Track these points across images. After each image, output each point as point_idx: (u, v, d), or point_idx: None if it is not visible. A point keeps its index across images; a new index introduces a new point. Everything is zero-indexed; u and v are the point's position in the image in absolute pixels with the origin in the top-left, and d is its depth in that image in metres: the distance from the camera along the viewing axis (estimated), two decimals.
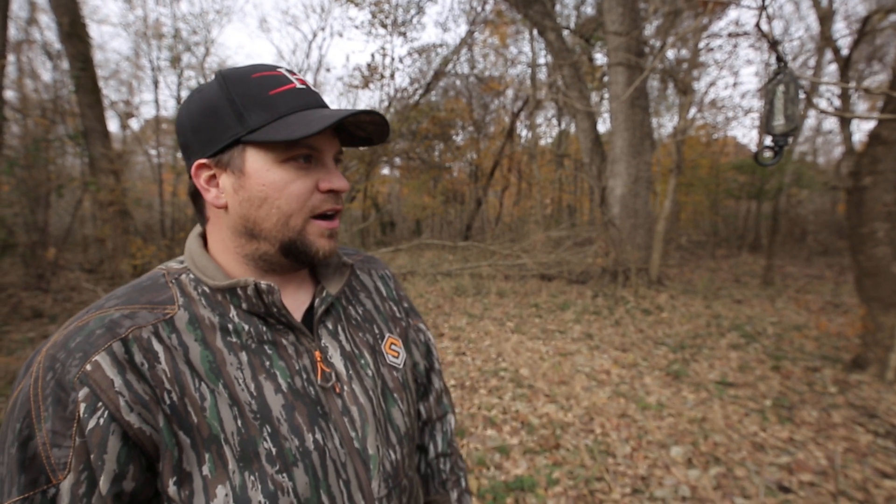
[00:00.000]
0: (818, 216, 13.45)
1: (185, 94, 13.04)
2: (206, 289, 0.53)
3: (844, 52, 3.96)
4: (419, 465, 0.75)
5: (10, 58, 6.79)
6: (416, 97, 12.52)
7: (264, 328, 0.53)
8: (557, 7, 9.95)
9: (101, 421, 0.43)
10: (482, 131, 15.07)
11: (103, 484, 0.43)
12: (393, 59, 12.81)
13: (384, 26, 11.71)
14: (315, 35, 17.89)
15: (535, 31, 10.61)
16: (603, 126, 13.04)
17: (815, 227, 12.76)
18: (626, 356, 3.81)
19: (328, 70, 18.74)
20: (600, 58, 11.06)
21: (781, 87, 1.40)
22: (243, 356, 0.50)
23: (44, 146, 6.04)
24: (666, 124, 13.54)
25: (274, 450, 0.48)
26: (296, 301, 0.59)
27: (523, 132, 15.97)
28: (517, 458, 2.31)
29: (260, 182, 0.50)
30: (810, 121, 13.05)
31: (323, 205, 0.54)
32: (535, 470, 2.20)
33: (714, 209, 13.43)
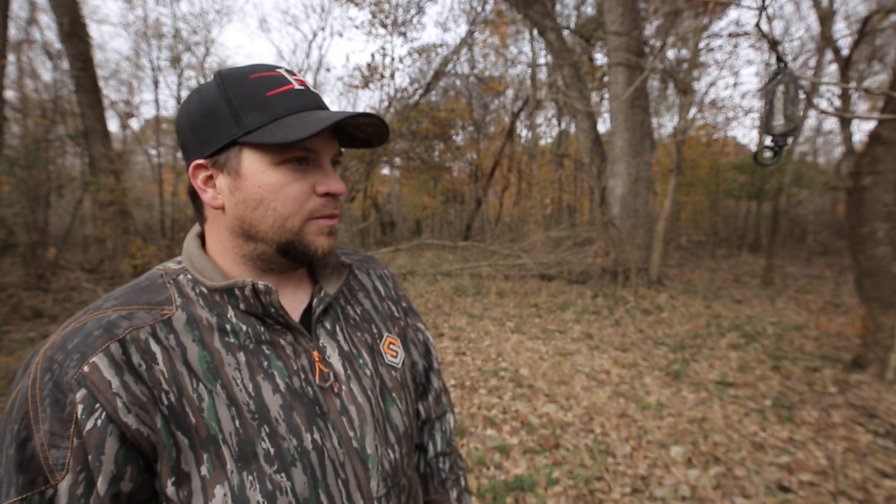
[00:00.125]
0: (818, 216, 13.46)
1: (185, 94, 13.04)
2: (204, 289, 0.53)
3: (845, 52, 3.96)
4: (418, 465, 0.75)
5: (11, 58, 6.79)
6: (416, 97, 12.52)
7: (262, 328, 0.53)
8: (557, 7, 9.95)
9: (99, 422, 0.43)
10: (482, 131, 15.07)
11: (101, 485, 0.43)
12: (393, 59, 12.82)
13: (384, 26, 11.71)
14: (315, 35, 17.90)
15: (535, 31, 10.61)
16: (603, 126, 13.05)
17: (816, 227, 12.76)
18: (626, 356, 3.81)
19: (328, 70, 18.77)
20: (600, 58, 11.07)
21: (781, 88, 1.40)
22: (241, 356, 0.51)
23: (44, 146, 6.04)
24: (666, 124, 13.55)
25: (272, 450, 0.48)
26: (294, 301, 0.59)
27: (523, 132, 15.99)
28: (517, 458, 2.31)
29: (256, 184, 0.50)
30: (811, 121, 13.07)
31: (321, 209, 0.53)
32: (534, 469, 2.20)
33: (714, 209, 13.43)
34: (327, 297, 0.59)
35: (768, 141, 1.45)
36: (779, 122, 1.40)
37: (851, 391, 3.01)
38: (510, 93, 13.96)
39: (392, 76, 12.55)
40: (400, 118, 11.41)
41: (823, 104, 7.97)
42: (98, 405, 0.43)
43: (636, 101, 6.50)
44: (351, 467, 0.53)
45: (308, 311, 0.59)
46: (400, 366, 0.65)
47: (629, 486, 2.08)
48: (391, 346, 0.65)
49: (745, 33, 8.33)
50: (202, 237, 0.59)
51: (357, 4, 11.07)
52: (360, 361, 0.59)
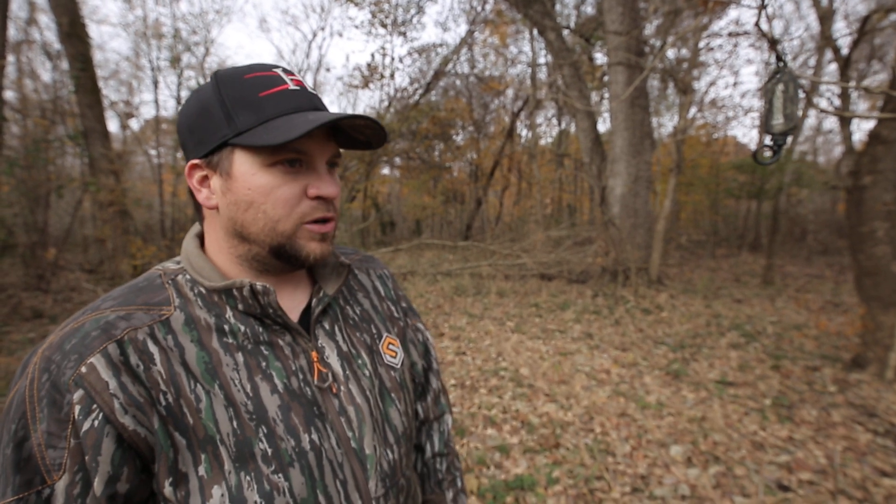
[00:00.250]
0: (818, 215, 13.46)
1: (185, 94, 13.04)
2: (203, 290, 0.53)
3: (844, 51, 3.96)
4: (415, 465, 0.75)
5: (10, 58, 6.79)
6: (416, 97, 12.52)
7: (260, 329, 0.53)
8: (557, 6, 9.95)
9: (96, 423, 0.43)
10: (482, 131, 15.07)
11: (97, 485, 0.43)
12: (393, 58, 12.82)
13: (384, 26, 11.71)
14: (315, 35, 17.91)
15: (535, 31, 10.61)
16: (603, 126, 13.05)
17: (815, 226, 12.77)
18: (626, 355, 3.82)
19: (328, 70, 18.78)
20: (600, 57, 11.06)
21: (781, 87, 1.40)
22: (239, 357, 0.50)
23: (44, 146, 6.04)
24: (666, 124, 13.55)
25: (270, 450, 0.48)
26: (293, 301, 0.58)
27: (523, 132, 15.98)
28: (517, 458, 2.31)
29: (246, 186, 0.50)
30: (810, 120, 13.07)
31: (313, 212, 0.52)
32: (535, 469, 2.20)
33: (714, 209, 13.43)
34: (326, 297, 0.59)
35: (768, 140, 1.45)
36: (778, 121, 1.40)
37: (851, 390, 3.01)
38: (510, 92, 13.96)
39: (392, 76, 12.55)
40: (400, 118, 11.41)
41: (823, 103, 7.97)
42: (95, 406, 0.43)
43: (636, 100, 6.50)
44: (349, 468, 0.53)
45: (307, 311, 0.59)
46: (399, 366, 0.65)
47: (629, 485, 2.08)
48: (390, 347, 0.65)
49: (745, 32, 8.33)
50: (201, 237, 0.59)
51: (357, 4, 11.07)
52: (359, 362, 0.59)
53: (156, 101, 12.82)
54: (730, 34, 8.76)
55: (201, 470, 0.46)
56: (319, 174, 0.53)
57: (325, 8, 18.31)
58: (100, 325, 0.47)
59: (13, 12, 5.95)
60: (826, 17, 4.21)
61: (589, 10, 10.99)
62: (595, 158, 7.30)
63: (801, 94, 1.46)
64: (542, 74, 12.35)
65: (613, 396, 3.01)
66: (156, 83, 12.59)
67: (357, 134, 0.56)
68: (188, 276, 0.54)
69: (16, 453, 0.42)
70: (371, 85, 12.38)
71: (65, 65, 6.72)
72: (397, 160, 14.52)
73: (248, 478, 0.47)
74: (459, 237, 13.70)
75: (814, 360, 3.60)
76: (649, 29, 7.43)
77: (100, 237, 7.06)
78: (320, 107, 0.53)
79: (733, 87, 17.90)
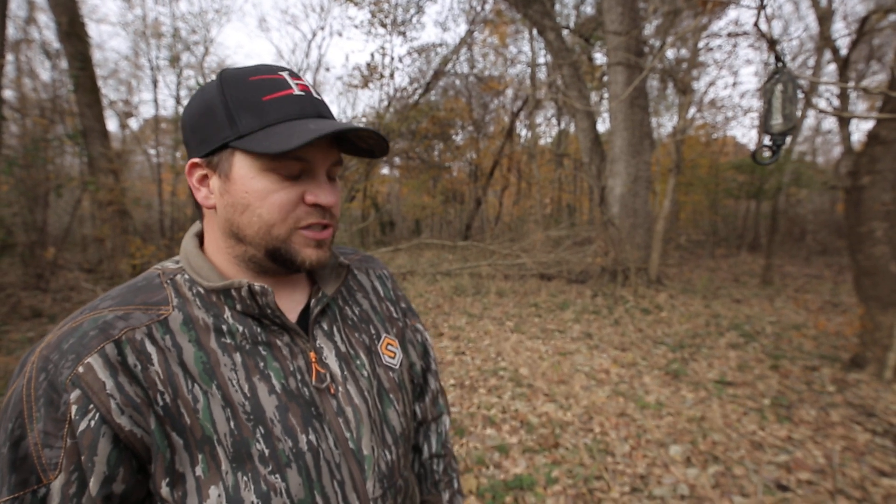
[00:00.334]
0: (817, 215, 13.47)
1: (184, 93, 13.03)
2: (201, 289, 0.53)
3: (843, 51, 3.97)
4: (412, 465, 0.75)
5: (9, 57, 6.78)
6: (416, 97, 12.52)
7: (259, 329, 0.52)
8: (557, 6, 9.95)
9: (93, 423, 0.43)
10: (482, 131, 15.07)
11: (93, 486, 0.43)
12: (392, 58, 12.80)
13: (384, 26, 11.71)
14: (314, 34, 17.89)
15: (534, 31, 10.61)
16: (602, 126, 13.05)
17: (814, 226, 12.78)
18: (626, 355, 3.82)
19: (327, 70, 18.74)
20: (600, 57, 11.07)
21: (779, 87, 1.40)
22: (237, 357, 0.50)
23: (42, 146, 6.04)
24: (665, 124, 13.56)
25: (267, 451, 0.48)
26: (291, 301, 0.58)
27: (523, 132, 15.99)
28: (516, 457, 2.31)
29: (243, 189, 0.50)
30: (809, 120, 13.09)
31: (307, 217, 0.52)
32: (534, 469, 2.21)
33: (713, 209, 13.45)
34: (325, 297, 0.59)
35: (767, 140, 1.46)
36: (777, 121, 1.40)
37: (850, 390, 3.01)
38: (510, 92, 13.96)
39: (391, 76, 12.55)
40: (399, 118, 11.40)
41: (822, 104, 7.97)
42: (92, 406, 0.43)
43: (635, 100, 6.51)
44: (347, 468, 0.53)
45: (305, 311, 0.59)
46: (397, 367, 0.65)
47: (628, 485, 2.08)
48: (389, 347, 0.65)
49: (744, 33, 8.34)
50: (200, 237, 0.59)
51: (356, 4, 11.07)
52: (358, 362, 0.59)
53: (155, 101, 12.82)
54: (729, 34, 8.77)
55: (198, 470, 0.46)
56: (318, 182, 0.52)
57: (325, 7, 18.32)
58: (97, 324, 0.47)
59: (12, 11, 5.95)
60: (825, 18, 4.21)
61: (588, 10, 11.00)
62: (594, 158, 7.30)
63: (800, 95, 1.46)
64: (542, 74, 12.36)
65: (613, 396, 3.01)
66: (155, 82, 12.58)
67: (360, 142, 0.55)
68: (187, 276, 0.54)
69: (12, 452, 0.42)
70: (370, 85, 12.38)
71: (64, 64, 6.71)
72: (397, 160, 14.52)
73: (245, 478, 0.47)
74: (459, 237, 13.70)
75: (812, 360, 3.61)
76: (649, 29, 7.44)
77: (99, 236, 7.06)
78: (325, 113, 0.53)
79: (732, 87, 17.96)
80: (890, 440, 2.39)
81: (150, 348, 0.47)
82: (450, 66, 12.78)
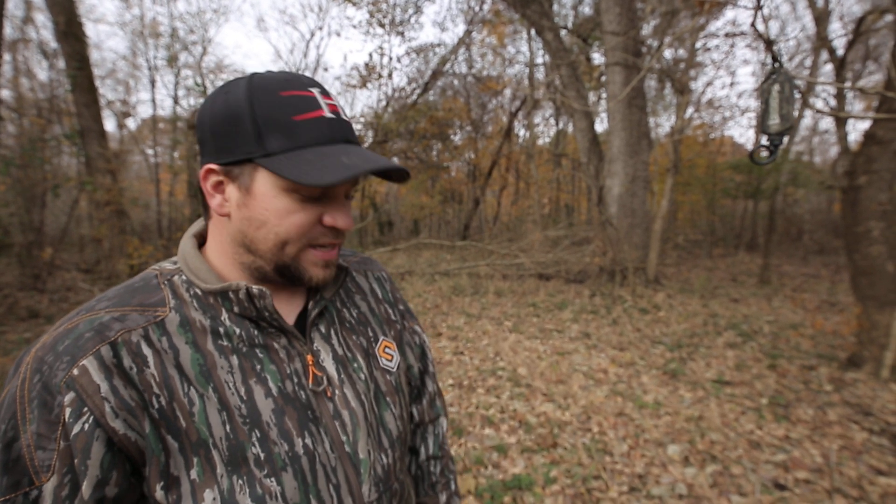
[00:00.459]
0: (814, 215, 13.53)
1: (182, 93, 13.01)
2: (199, 291, 0.52)
3: (840, 52, 3.98)
4: (409, 467, 0.75)
5: (6, 56, 6.76)
6: (414, 97, 12.52)
7: (256, 332, 0.52)
8: (555, 7, 9.96)
9: (86, 426, 0.43)
10: (480, 131, 15.08)
11: (86, 489, 0.43)
12: (391, 58, 12.78)
13: (382, 26, 11.71)
14: (313, 34, 17.84)
15: (532, 31, 10.62)
16: (600, 125, 13.07)
17: (812, 226, 12.83)
18: (624, 355, 3.82)
19: (326, 70, 18.75)
20: (598, 57, 11.08)
21: (776, 87, 1.41)
22: (234, 360, 0.50)
23: (40, 146, 6.02)
24: (663, 124, 13.58)
25: (262, 454, 0.48)
26: (289, 304, 0.58)
27: (521, 132, 16.00)
28: (515, 457, 2.31)
29: (264, 206, 0.49)
30: (806, 120, 13.14)
31: (321, 237, 0.53)
32: (532, 469, 2.21)
33: (711, 208, 13.48)
34: (323, 300, 0.59)
35: (764, 140, 1.46)
36: (774, 121, 1.41)
37: (847, 389, 3.02)
38: (508, 92, 13.98)
39: (390, 76, 12.56)
40: (398, 118, 11.40)
41: (819, 104, 7.99)
42: (86, 409, 0.43)
43: (633, 100, 6.52)
44: (343, 472, 0.53)
45: (303, 313, 0.58)
46: (395, 370, 0.64)
47: (626, 484, 2.08)
48: (386, 350, 0.65)
49: (742, 33, 8.35)
50: (198, 237, 0.58)
51: (355, 4, 11.06)
52: (355, 365, 0.59)
53: (153, 101, 12.79)
54: (726, 35, 8.79)
55: (193, 474, 0.46)
56: (337, 204, 0.52)
57: (323, 7, 18.30)
58: (93, 326, 0.46)
59: (9, 10, 5.93)
60: (822, 18, 4.23)
61: (586, 10, 11.02)
62: (592, 158, 7.31)
63: (797, 95, 1.47)
64: (540, 74, 12.37)
65: (611, 396, 3.01)
66: (153, 82, 12.55)
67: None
68: (184, 277, 0.53)
69: (4, 454, 0.42)
70: (369, 84, 12.37)
71: (61, 64, 6.69)
72: (395, 160, 14.52)
73: (240, 482, 0.47)
74: (457, 237, 13.71)
75: (810, 360, 3.62)
76: (646, 29, 7.45)
77: (96, 237, 7.04)
78: (352, 138, 0.52)
79: (730, 87, 18.03)
80: (887, 439, 2.40)
81: (147, 350, 0.47)
82: (448, 66, 12.79)
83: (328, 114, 0.50)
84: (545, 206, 13.44)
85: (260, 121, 0.47)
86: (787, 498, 1.96)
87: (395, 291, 0.73)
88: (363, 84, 12.33)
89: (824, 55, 7.41)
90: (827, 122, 13.40)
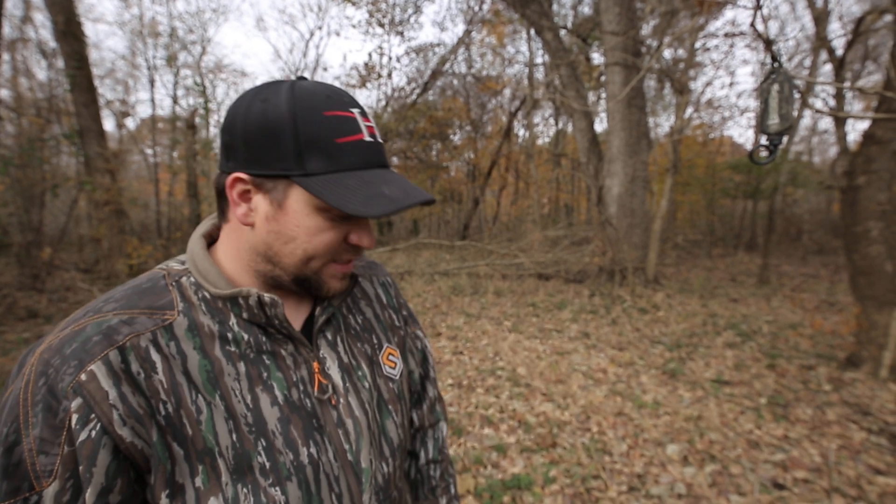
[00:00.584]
0: (813, 215, 13.54)
1: (181, 93, 13.00)
2: (207, 294, 0.52)
3: (839, 52, 3.99)
4: (409, 471, 0.75)
5: (5, 56, 6.75)
6: (414, 96, 12.53)
7: (264, 338, 0.52)
8: (555, 6, 9.96)
9: (93, 434, 0.42)
10: (479, 131, 15.08)
11: (89, 497, 0.42)
12: (390, 58, 12.79)
13: (381, 25, 11.71)
14: (312, 34, 17.83)
15: (532, 31, 10.62)
16: (600, 125, 13.08)
17: (811, 226, 12.85)
18: (623, 355, 3.83)
19: (325, 69, 18.72)
20: (597, 57, 11.09)
21: (776, 87, 1.41)
22: (241, 366, 0.50)
23: (39, 145, 6.01)
24: (662, 124, 13.60)
25: (268, 464, 0.48)
26: (296, 310, 0.58)
27: (521, 131, 16.00)
28: (514, 457, 2.31)
29: (295, 222, 0.49)
30: (806, 120, 13.15)
31: (344, 254, 0.53)
32: (531, 468, 2.21)
33: (710, 208, 13.49)
34: (331, 307, 0.58)
35: (764, 140, 1.46)
36: (774, 120, 1.41)
37: (846, 389, 3.03)
38: (507, 92, 13.99)
39: (389, 75, 12.56)
40: (397, 117, 11.40)
41: (818, 104, 8.00)
42: (93, 416, 0.42)
43: (633, 100, 6.52)
44: (345, 481, 0.53)
45: (309, 319, 0.58)
46: (398, 377, 0.64)
47: (626, 484, 2.08)
48: (390, 358, 0.65)
49: (741, 33, 8.36)
50: (209, 236, 0.57)
51: (354, 4, 11.06)
52: (359, 373, 0.59)
53: (152, 100, 12.78)
54: (726, 35, 8.80)
55: (198, 481, 0.46)
56: (363, 224, 0.53)
57: (323, 7, 18.29)
58: (101, 329, 0.45)
59: (8, 10, 5.92)
60: (821, 18, 4.23)
61: (586, 10, 11.02)
62: (592, 158, 7.31)
63: (797, 95, 1.47)
64: (540, 74, 12.37)
65: (610, 396, 3.02)
66: (152, 82, 12.53)
67: None
68: (192, 279, 0.52)
69: (5, 458, 0.41)
70: (368, 84, 12.38)
71: (60, 63, 6.68)
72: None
73: (245, 490, 0.47)
74: (457, 237, 13.71)
75: (809, 359, 3.63)
76: (646, 29, 7.45)
77: (95, 236, 7.03)
78: (385, 162, 0.53)
79: (729, 87, 18.07)
80: (885, 438, 2.40)
81: (155, 356, 0.46)
82: (447, 65, 12.79)
83: (367, 137, 0.50)
84: (544, 205, 13.45)
85: (302, 140, 0.47)
86: (786, 497, 1.96)
87: (400, 296, 0.73)
88: (362, 84, 12.33)
89: (823, 55, 7.42)
90: (826, 122, 13.42)
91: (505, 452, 2.35)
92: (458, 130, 15.22)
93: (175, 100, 12.59)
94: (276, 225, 0.50)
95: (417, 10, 11.82)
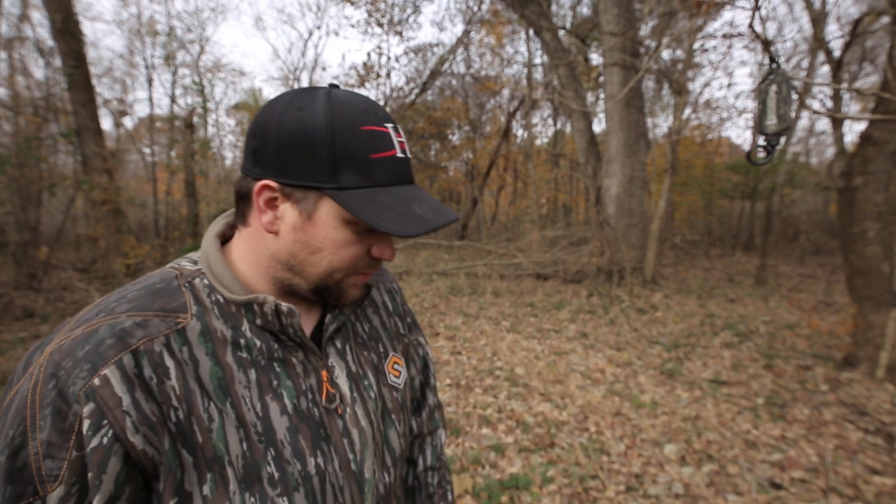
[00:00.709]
0: (811, 216, 13.59)
1: (179, 92, 12.97)
2: (221, 298, 0.51)
3: (837, 53, 4.00)
4: (407, 477, 0.75)
5: (2, 54, 6.73)
6: (413, 96, 12.52)
7: (275, 345, 0.52)
8: (553, 7, 9.96)
9: (105, 440, 0.41)
10: (478, 131, 15.09)
11: (97, 503, 0.42)
12: (389, 58, 12.80)
13: (380, 25, 11.70)
14: (311, 34, 17.83)
15: (531, 31, 10.63)
16: (598, 126, 13.07)
17: (808, 226, 12.89)
18: (621, 355, 3.83)
19: (324, 69, 18.68)
20: (596, 58, 11.10)
21: (774, 88, 1.41)
22: (252, 374, 0.50)
23: (36, 144, 5.99)
24: (661, 124, 13.63)
25: (277, 474, 0.48)
26: (306, 318, 0.57)
27: (519, 132, 16.01)
28: (512, 457, 2.31)
29: (323, 234, 0.49)
30: (803, 122, 13.17)
31: (366, 266, 0.54)
32: (530, 468, 2.21)
33: (708, 209, 13.51)
34: (342, 315, 0.58)
35: (761, 141, 1.47)
36: (771, 121, 1.41)
37: (842, 389, 3.04)
38: (506, 92, 13.99)
39: (388, 75, 12.54)
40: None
41: (816, 105, 8.03)
42: (106, 422, 0.41)
43: (631, 101, 6.53)
44: (348, 491, 0.53)
45: (318, 326, 0.58)
46: (401, 386, 0.64)
47: (623, 484, 2.09)
48: (395, 366, 0.65)
49: (739, 34, 8.38)
50: (223, 236, 0.56)
51: (353, 3, 11.05)
52: (366, 383, 0.59)
53: (150, 99, 12.76)
54: (724, 36, 8.80)
55: (206, 489, 0.45)
56: (386, 238, 0.54)
57: (321, 7, 18.27)
58: (115, 331, 0.44)
59: (5, 8, 5.90)
60: (819, 20, 4.25)
61: (585, 10, 11.03)
62: (590, 159, 7.32)
63: (794, 96, 1.47)
64: (538, 75, 12.38)
65: (608, 396, 3.02)
66: (150, 81, 12.51)
67: None
68: (206, 281, 0.51)
69: (10, 462, 0.40)
70: (367, 84, 12.37)
71: (58, 62, 6.65)
72: None
73: (252, 500, 0.46)
74: (455, 237, 13.71)
75: (806, 360, 3.64)
76: (644, 30, 7.47)
77: (93, 236, 7.01)
78: (412, 177, 0.54)
79: (727, 88, 18.12)
80: (882, 438, 2.41)
81: (168, 361, 0.45)
82: (446, 65, 12.79)
83: (399, 153, 0.50)
84: (543, 206, 13.46)
85: (339, 153, 0.46)
86: (783, 497, 1.96)
87: (405, 304, 0.73)
88: (361, 83, 12.33)
89: (821, 56, 7.44)
90: (823, 124, 13.46)
91: (503, 452, 2.36)
92: (456, 130, 15.23)
93: (173, 99, 12.57)
94: (303, 235, 0.50)
95: (416, 10, 11.83)
